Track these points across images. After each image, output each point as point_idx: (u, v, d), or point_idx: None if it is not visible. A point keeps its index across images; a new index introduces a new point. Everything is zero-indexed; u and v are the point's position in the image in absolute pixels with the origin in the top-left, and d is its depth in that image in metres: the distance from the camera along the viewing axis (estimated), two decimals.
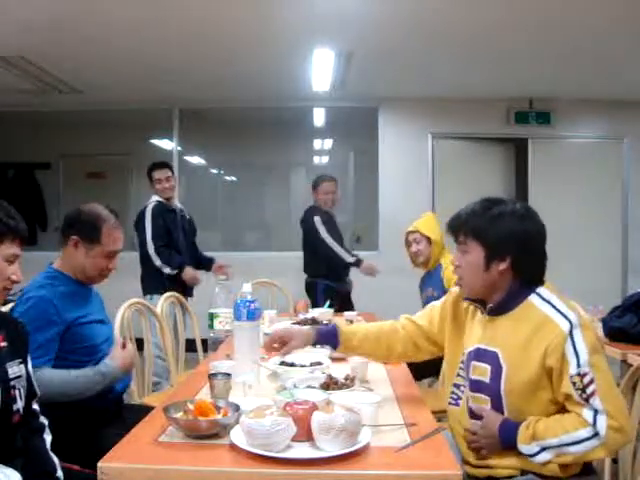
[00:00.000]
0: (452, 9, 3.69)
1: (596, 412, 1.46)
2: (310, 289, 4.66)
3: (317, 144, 6.99)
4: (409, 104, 6.00)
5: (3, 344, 1.50)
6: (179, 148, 6.32)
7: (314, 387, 1.79)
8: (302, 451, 1.35)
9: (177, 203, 4.33)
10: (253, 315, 2.06)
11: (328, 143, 6.98)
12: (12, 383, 1.48)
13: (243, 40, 4.25)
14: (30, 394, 1.56)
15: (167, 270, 4.00)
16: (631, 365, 2.28)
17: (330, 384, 1.81)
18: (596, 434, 1.45)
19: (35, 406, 1.60)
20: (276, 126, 6.44)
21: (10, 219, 1.52)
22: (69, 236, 2.04)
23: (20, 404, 1.49)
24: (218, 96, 5.86)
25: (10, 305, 2.16)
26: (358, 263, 4.60)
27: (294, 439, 1.36)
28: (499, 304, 1.65)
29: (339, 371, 2.01)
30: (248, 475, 1.30)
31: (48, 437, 1.60)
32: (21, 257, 1.57)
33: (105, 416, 2.01)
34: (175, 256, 4.07)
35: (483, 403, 1.64)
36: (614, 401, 1.48)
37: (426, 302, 3.54)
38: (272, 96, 5.87)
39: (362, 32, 4.13)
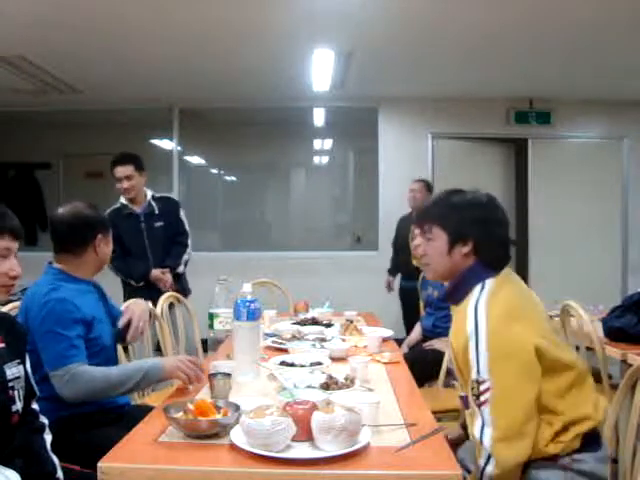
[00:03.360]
0: (452, 9, 3.69)
1: (483, 425, 1.45)
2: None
3: (317, 144, 6.99)
4: (409, 104, 6.00)
5: (1, 345, 1.50)
6: (179, 148, 6.32)
7: (314, 387, 1.79)
8: (302, 451, 1.35)
9: (148, 197, 3.75)
10: (253, 315, 2.06)
11: (328, 143, 6.98)
12: (10, 384, 1.47)
13: (243, 40, 4.25)
14: (29, 394, 1.56)
15: (133, 283, 3.67)
16: (631, 365, 2.28)
17: (330, 384, 1.81)
18: (489, 457, 1.44)
19: (35, 406, 1.60)
20: (276, 126, 6.44)
21: None
22: (94, 236, 2.06)
23: (19, 405, 1.49)
24: (218, 96, 5.86)
25: (10, 305, 2.15)
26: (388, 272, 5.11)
27: (294, 439, 1.36)
28: (451, 290, 1.69)
29: (339, 371, 2.01)
30: (248, 475, 1.30)
31: (48, 437, 1.60)
32: (13, 250, 1.52)
33: (105, 417, 2.01)
34: (135, 266, 3.67)
35: (459, 389, 1.71)
36: (506, 411, 1.44)
37: (427, 301, 3.56)
38: (272, 96, 5.88)
39: (362, 32, 4.13)
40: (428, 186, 4.94)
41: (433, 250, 1.69)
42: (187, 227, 3.88)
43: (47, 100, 5.73)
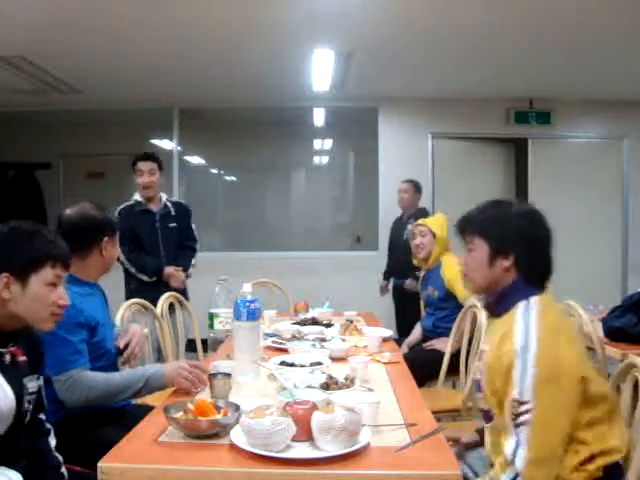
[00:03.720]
0: (452, 9, 3.69)
1: (517, 445, 1.42)
2: None
3: (317, 144, 7.00)
4: (409, 104, 6.00)
5: (22, 358, 1.50)
6: (179, 148, 6.32)
7: (314, 387, 1.79)
8: (302, 451, 1.35)
9: (164, 199, 3.81)
10: (253, 315, 2.06)
11: (328, 143, 6.98)
12: (28, 398, 1.49)
13: (243, 40, 4.25)
14: (38, 407, 1.56)
15: (144, 277, 3.63)
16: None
17: (330, 384, 1.81)
18: (516, 477, 1.42)
19: (42, 416, 1.60)
20: (276, 126, 6.44)
21: (48, 244, 1.49)
22: (100, 239, 2.04)
23: (28, 417, 1.50)
24: (218, 96, 5.86)
25: None
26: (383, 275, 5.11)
27: (294, 439, 1.36)
28: (492, 303, 1.66)
29: (339, 371, 2.01)
30: (248, 475, 1.30)
31: (53, 441, 1.61)
32: (63, 278, 1.54)
33: (105, 417, 2.01)
34: (149, 261, 3.66)
35: (481, 402, 1.66)
36: (544, 434, 1.42)
37: (427, 301, 3.56)
38: (272, 96, 5.88)
39: (362, 32, 4.13)
40: (416, 187, 4.94)
41: (473, 261, 1.65)
42: (196, 235, 3.98)
43: (47, 100, 5.73)
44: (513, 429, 1.44)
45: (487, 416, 1.63)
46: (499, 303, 1.62)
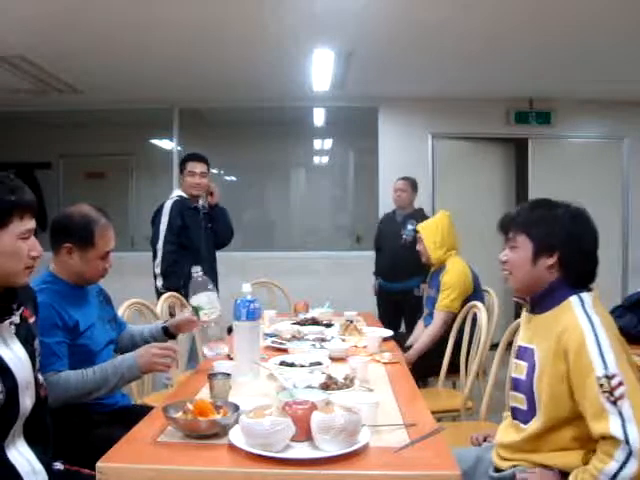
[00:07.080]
0: (452, 9, 3.69)
1: (624, 421, 1.36)
2: None
3: (317, 144, 6.99)
4: (409, 104, 5.99)
5: (32, 319, 1.48)
6: (179, 148, 6.31)
7: (314, 387, 1.79)
8: (301, 451, 1.35)
9: (201, 201, 3.89)
10: (253, 315, 2.06)
11: (328, 143, 6.98)
12: (37, 358, 1.48)
13: (243, 40, 4.25)
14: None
15: (159, 282, 3.55)
16: None
17: (330, 384, 1.81)
18: (629, 453, 1.35)
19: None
20: (276, 126, 6.44)
21: (12, 194, 1.36)
22: (61, 243, 1.95)
23: (40, 378, 1.48)
24: (218, 96, 5.85)
25: None
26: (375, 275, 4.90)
27: (294, 439, 1.36)
28: (537, 299, 1.64)
29: (339, 371, 2.02)
30: (247, 475, 1.30)
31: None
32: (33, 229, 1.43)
33: (105, 416, 2.01)
34: (176, 275, 3.50)
35: (519, 402, 1.63)
36: None
37: (427, 300, 3.56)
38: (272, 96, 5.87)
39: (362, 32, 4.12)
40: (413, 185, 4.80)
41: (516, 259, 1.65)
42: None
43: (47, 100, 5.72)
44: (611, 406, 1.38)
45: (524, 414, 1.60)
46: (544, 299, 1.61)
